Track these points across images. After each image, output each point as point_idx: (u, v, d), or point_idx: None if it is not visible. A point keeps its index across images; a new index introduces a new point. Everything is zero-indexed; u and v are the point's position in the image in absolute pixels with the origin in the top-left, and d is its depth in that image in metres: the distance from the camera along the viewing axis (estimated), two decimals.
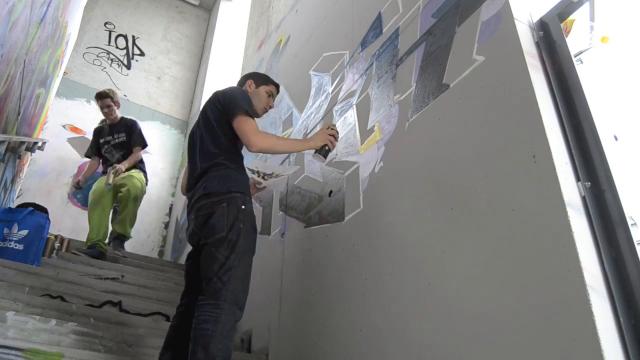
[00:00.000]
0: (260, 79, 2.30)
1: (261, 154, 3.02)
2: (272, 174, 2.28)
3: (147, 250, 5.65)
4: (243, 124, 1.93)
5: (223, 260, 1.74)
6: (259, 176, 2.29)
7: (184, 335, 1.79)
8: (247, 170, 2.14)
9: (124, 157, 3.97)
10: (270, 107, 2.29)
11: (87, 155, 4.32)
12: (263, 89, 2.25)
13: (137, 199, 3.95)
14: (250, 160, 2.60)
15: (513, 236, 1.33)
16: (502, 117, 1.49)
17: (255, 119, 2.03)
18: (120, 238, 3.95)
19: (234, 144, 2.01)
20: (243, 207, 1.86)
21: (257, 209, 3.14)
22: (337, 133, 2.06)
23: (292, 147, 2.19)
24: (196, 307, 1.73)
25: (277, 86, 2.33)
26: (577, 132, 1.37)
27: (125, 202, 3.86)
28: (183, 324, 1.84)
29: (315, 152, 2.01)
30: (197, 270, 1.87)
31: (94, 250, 3.56)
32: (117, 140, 4.06)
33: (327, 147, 2.00)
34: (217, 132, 2.00)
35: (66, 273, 2.91)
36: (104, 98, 3.99)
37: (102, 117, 4.53)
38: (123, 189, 3.80)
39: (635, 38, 1.72)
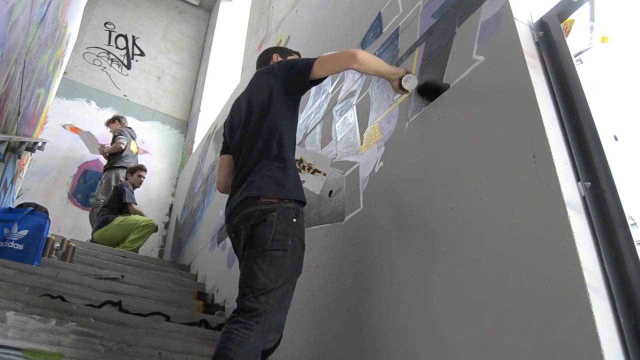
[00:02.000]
0: (284, 51, 2.15)
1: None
2: (313, 164, 2.14)
3: (147, 250, 5.64)
4: (325, 57, 1.72)
5: (264, 279, 1.54)
6: (298, 165, 2.13)
7: None
8: None
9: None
10: None
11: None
12: (291, 59, 2.07)
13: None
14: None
15: (513, 236, 1.33)
16: (502, 117, 1.49)
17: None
18: None
19: (290, 131, 1.78)
20: (295, 220, 1.64)
21: None
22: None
23: (385, 69, 1.82)
24: (227, 321, 1.55)
25: (298, 54, 2.18)
26: (577, 132, 1.37)
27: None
28: None
29: (403, 89, 1.84)
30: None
31: None
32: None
33: (407, 76, 1.82)
34: (272, 117, 1.77)
35: (66, 273, 2.91)
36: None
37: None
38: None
39: (635, 38, 1.72)
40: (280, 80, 1.82)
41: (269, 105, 1.80)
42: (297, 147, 1.92)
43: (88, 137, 5.63)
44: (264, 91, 1.84)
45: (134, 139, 5.52)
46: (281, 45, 3.98)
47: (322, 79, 1.82)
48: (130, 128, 5.62)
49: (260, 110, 1.82)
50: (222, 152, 2.07)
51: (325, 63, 1.76)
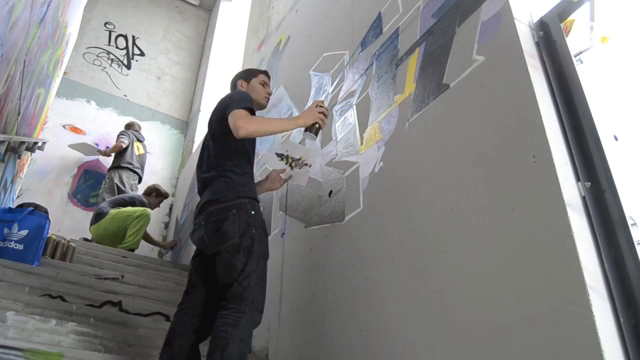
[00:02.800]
0: (247, 74, 2.33)
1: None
2: (300, 158, 2.22)
3: (147, 250, 5.64)
4: (232, 116, 1.91)
5: (241, 266, 1.76)
6: (286, 162, 2.24)
7: (185, 330, 1.81)
8: (275, 157, 2.19)
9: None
10: (269, 94, 2.31)
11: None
12: (255, 81, 2.27)
13: None
14: (282, 144, 2.57)
15: (513, 236, 1.33)
16: (502, 117, 1.49)
17: (261, 110, 2.06)
18: None
19: (239, 150, 2.02)
20: (253, 212, 1.87)
21: None
22: (327, 110, 2.05)
23: (282, 127, 2.10)
24: (218, 312, 1.74)
25: (265, 73, 2.35)
26: (577, 132, 1.37)
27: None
28: (183, 321, 1.84)
29: (306, 131, 2.00)
30: (204, 270, 1.91)
31: None
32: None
33: (317, 125, 1.99)
34: (221, 139, 2.01)
35: (66, 273, 2.91)
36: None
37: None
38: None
39: (635, 38, 1.72)
40: (222, 114, 2.03)
41: (218, 132, 2.04)
42: (284, 143, 2.19)
43: (81, 147, 5.66)
44: (214, 122, 2.09)
45: (140, 141, 5.52)
46: (281, 45, 3.98)
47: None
48: (137, 131, 5.63)
49: (212, 135, 2.09)
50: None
51: (235, 119, 1.92)
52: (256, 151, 2.20)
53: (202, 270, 1.94)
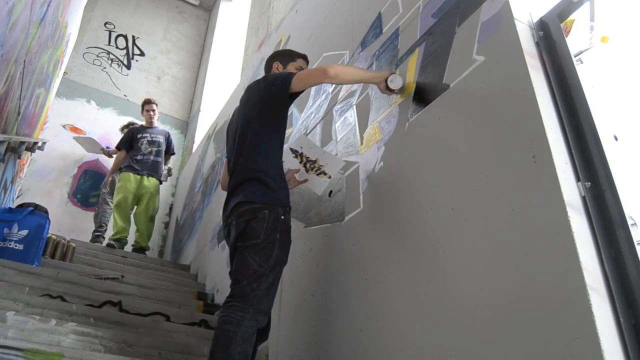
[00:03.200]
0: (285, 57, 2.25)
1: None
2: (316, 161, 2.16)
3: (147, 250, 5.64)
4: (301, 73, 1.91)
5: (256, 267, 1.75)
6: (300, 161, 2.18)
7: None
8: (289, 152, 2.15)
9: (156, 156, 4.83)
10: None
11: (118, 148, 4.98)
12: (292, 66, 2.20)
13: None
14: (298, 138, 2.46)
15: (513, 236, 1.33)
16: (502, 117, 1.49)
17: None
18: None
19: (276, 142, 1.98)
20: (282, 217, 1.85)
21: None
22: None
23: (362, 77, 2.02)
24: (222, 307, 1.75)
25: (304, 57, 2.27)
26: (577, 132, 1.37)
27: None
28: None
29: (390, 90, 1.97)
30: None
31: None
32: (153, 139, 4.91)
33: (391, 78, 1.94)
34: (259, 130, 1.96)
35: (66, 273, 2.91)
36: (151, 103, 5.06)
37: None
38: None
39: (635, 38, 1.71)
40: (263, 97, 2.01)
41: (254, 122, 2.00)
42: (299, 138, 2.15)
43: (87, 141, 5.65)
44: (251, 107, 2.05)
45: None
46: (281, 45, 3.98)
47: (299, 93, 2.01)
48: None
49: (248, 125, 2.02)
50: (227, 155, 2.22)
51: (301, 78, 1.94)
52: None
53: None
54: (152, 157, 4.80)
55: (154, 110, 5.06)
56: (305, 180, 2.19)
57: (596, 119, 1.35)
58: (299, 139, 2.32)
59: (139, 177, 4.65)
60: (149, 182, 4.70)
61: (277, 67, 2.20)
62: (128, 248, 4.59)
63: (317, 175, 2.17)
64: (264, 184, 1.88)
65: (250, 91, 2.10)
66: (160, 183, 4.87)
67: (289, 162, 2.20)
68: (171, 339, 2.36)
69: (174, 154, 5.27)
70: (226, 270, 3.34)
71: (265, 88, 2.01)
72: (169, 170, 5.22)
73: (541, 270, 1.22)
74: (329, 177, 2.15)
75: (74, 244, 3.40)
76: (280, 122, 2.04)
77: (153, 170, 4.75)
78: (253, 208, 1.83)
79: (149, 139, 4.88)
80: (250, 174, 1.92)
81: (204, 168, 4.99)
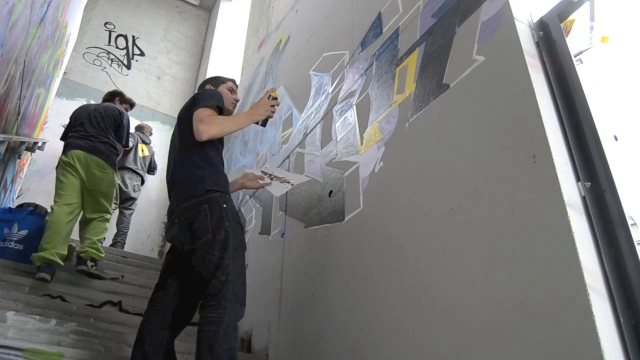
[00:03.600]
0: (216, 80, 2.36)
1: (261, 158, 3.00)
2: (283, 178, 2.28)
3: (147, 250, 5.65)
4: (195, 117, 1.93)
5: (217, 260, 1.75)
6: (267, 176, 2.31)
7: (157, 327, 1.83)
8: (258, 171, 2.25)
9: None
10: (237, 101, 2.34)
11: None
12: (222, 87, 2.29)
13: None
14: (269, 166, 2.69)
15: (513, 236, 1.33)
16: (502, 117, 1.49)
17: (227, 115, 2.12)
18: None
19: (205, 143, 1.99)
20: (225, 205, 1.87)
21: (257, 209, 3.14)
22: (278, 100, 2.11)
23: (239, 124, 2.09)
24: (199, 310, 1.75)
25: (233, 81, 2.40)
26: (577, 132, 1.37)
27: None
28: (154, 318, 1.87)
29: (257, 123, 2.08)
30: (177, 266, 1.94)
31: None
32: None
33: (267, 117, 2.08)
34: (188, 134, 1.99)
35: (66, 273, 2.91)
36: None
37: None
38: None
39: (635, 38, 1.71)
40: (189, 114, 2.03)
41: (187, 131, 2.02)
42: (271, 167, 2.31)
43: None
44: (182, 121, 2.09)
45: (145, 143, 5.53)
46: (281, 45, 3.98)
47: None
48: (143, 133, 5.63)
49: (180, 133, 2.10)
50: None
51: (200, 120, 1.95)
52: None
53: (174, 266, 1.95)
54: None
55: None
56: (269, 184, 2.29)
57: (596, 119, 1.35)
58: (271, 167, 2.49)
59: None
60: None
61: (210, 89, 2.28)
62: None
63: (280, 182, 2.27)
64: (195, 174, 1.92)
65: (189, 100, 2.16)
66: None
67: (257, 172, 2.35)
68: None
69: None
70: None
71: (190, 106, 2.07)
72: None
73: (541, 270, 1.22)
74: (291, 184, 2.26)
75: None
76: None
77: None
78: (192, 204, 1.85)
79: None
80: (183, 166, 1.98)
81: None
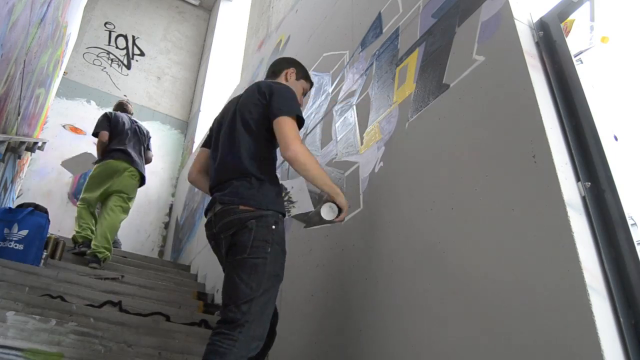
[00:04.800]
0: (302, 71, 2.05)
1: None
2: (296, 202, 2.08)
3: (147, 250, 5.65)
4: (286, 126, 1.67)
5: (245, 288, 1.53)
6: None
7: None
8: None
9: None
10: (300, 106, 1.95)
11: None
12: (302, 84, 2.02)
13: None
14: (298, 179, 2.29)
15: (513, 236, 1.33)
16: (502, 117, 1.49)
17: None
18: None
19: (270, 150, 1.79)
20: (274, 227, 1.62)
21: None
22: (345, 215, 1.79)
23: (321, 177, 1.73)
24: (212, 332, 1.55)
25: (312, 85, 2.12)
26: (577, 132, 1.37)
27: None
28: None
29: (327, 202, 1.76)
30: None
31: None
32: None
33: (335, 213, 1.75)
34: (256, 134, 1.75)
35: (66, 273, 2.91)
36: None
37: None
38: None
39: (635, 38, 1.71)
40: (266, 107, 1.77)
41: (252, 124, 1.78)
42: (301, 181, 1.94)
43: (75, 163, 5.15)
44: (251, 108, 1.80)
45: None
46: (281, 45, 3.97)
47: None
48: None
49: (243, 125, 1.79)
50: (204, 145, 2.02)
51: (286, 133, 1.69)
52: None
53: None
54: None
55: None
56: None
57: (596, 119, 1.35)
58: (298, 180, 2.14)
59: None
60: None
61: (291, 75, 2.00)
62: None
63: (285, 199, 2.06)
64: (253, 184, 1.67)
65: (255, 92, 1.84)
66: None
67: None
68: (171, 339, 2.36)
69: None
70: None
71: (270, 103, 1.77)
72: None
73: (541, 270, 1.22)
74: (293, 205, 2.08)
75: (63, 240, 3.39)
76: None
77: None
78: (239, 218, 1.61)
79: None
80: (241, 175, 1.70)
81: None
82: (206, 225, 1.78)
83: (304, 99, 2.11)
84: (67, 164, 4.87)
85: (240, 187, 1.67)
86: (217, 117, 2.02)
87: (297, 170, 1.71)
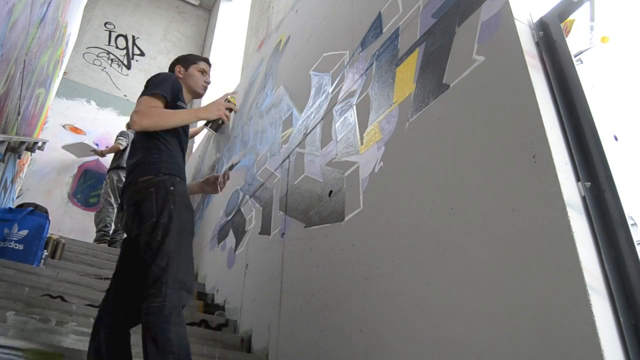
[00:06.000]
0: (187, 60, 2.24)
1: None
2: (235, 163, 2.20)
3: None
4: (136, 103, 1.86)
5: (158, 245, 1.66)
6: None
7: (112, 317, 1.76)
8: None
9: None
10: (208, 83, 2.21)
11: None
12: (194, 68, 2.19)
13: None
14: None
15: (513, 236, 1.33)
16: (502, 117, 1.49)
17: (198, 99, 2.06)
18: None
19: (154, 135, 1.93)
20: (172, 188, 1.78)
21: (257, 209, 3.14)
22: (235, 106, 2.01)
23: (179, 119, 1.93)
24: (142, 301, 1.64)
25: (206, 60, 2.27)
26: (577, 132, 1.37)
27: None
28: (109, 308, 1.79)
29: (207, 124, 1.96)
30: (130, 254, 1.85)
31: None
32: None
33: (220, 121, 1.94)
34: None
35: (66, 273, 2.91)
36: None
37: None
38: None
39: (635, 38, 1.71)
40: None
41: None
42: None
43: (76, 147, 5.56)
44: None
45: None
46: (281, 45, 3.97)
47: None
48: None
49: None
50: None
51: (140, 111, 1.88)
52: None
53: (127, 255, 1.87)
54: None
55: None
56: (225, 176, 2.28)
57: (596, 119, 1.35)
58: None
59: None
60: None
61: (179, 70, 2.18)
62: None
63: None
64: (145, 159, 1.85)
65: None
66: None
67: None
68: None
69: None
70: (226, 270, 3.35)
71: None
72: None
73: (541, 270, 1.22)
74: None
75: (63, 240, 3.39)
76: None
77: None
78: (139, 189, 1.78)
79: None
80: (136, 152, 1.91)
81: (204, 168, 4.99)
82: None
83: (206, 77, 2.22)
84: (69, 148, 5.07)
85: (136, 167, 1.86)
86: None
87: (159, 129, 1.89)
